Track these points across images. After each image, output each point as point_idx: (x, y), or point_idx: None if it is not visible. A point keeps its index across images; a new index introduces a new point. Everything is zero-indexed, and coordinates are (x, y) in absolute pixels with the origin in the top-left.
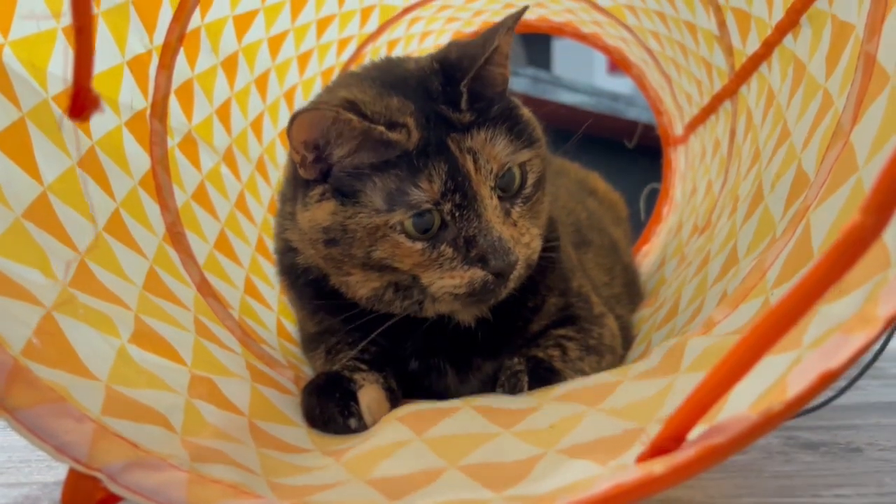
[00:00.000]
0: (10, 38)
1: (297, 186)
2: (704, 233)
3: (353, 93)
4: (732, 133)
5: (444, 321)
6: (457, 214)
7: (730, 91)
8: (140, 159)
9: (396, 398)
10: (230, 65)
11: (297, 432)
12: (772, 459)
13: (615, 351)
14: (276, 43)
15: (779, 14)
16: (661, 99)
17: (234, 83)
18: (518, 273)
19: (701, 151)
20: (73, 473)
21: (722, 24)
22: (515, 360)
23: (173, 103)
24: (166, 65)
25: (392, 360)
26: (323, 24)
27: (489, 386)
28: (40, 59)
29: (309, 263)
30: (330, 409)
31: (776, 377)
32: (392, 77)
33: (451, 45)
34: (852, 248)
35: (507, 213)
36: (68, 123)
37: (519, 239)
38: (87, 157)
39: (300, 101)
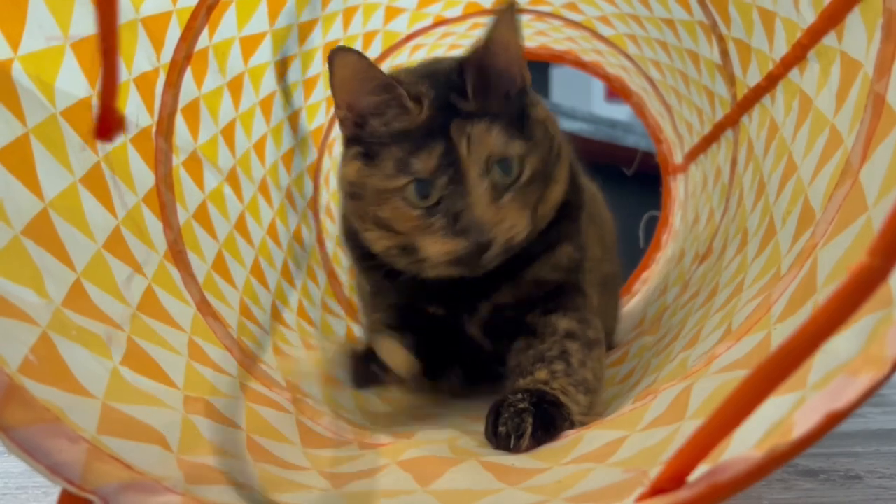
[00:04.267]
0: (19, 53)
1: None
2: (706, 261)
3: (396, 74)
4: (734, 162)
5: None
6: (449, 189)
7: (732, 120)
8: (144, 176)
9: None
10: (236, 86)
11: (294, 450)
12: (771, 487)
13: (602, 343)
14: (282, 66)
15: (780, 46)
16: (660, 127)
17: (239, 104)
18: (495, 252)
19: (702, 180)
20: (65, 495)
21: (725, 53)
22: (519, 395)
23: (179, 122)
24: (173, 83)
25: (418, 320)
26: (328, 49)
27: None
28: (48, 74)
29: (351, 223)
30: (362, 368)
31: (781, 416)
32: (428, 70)
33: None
34: (859, 290)
35: (499, 197)
36: (85, 145)
37: (500, 223)
38: (91, 174)
39: (304, 126)
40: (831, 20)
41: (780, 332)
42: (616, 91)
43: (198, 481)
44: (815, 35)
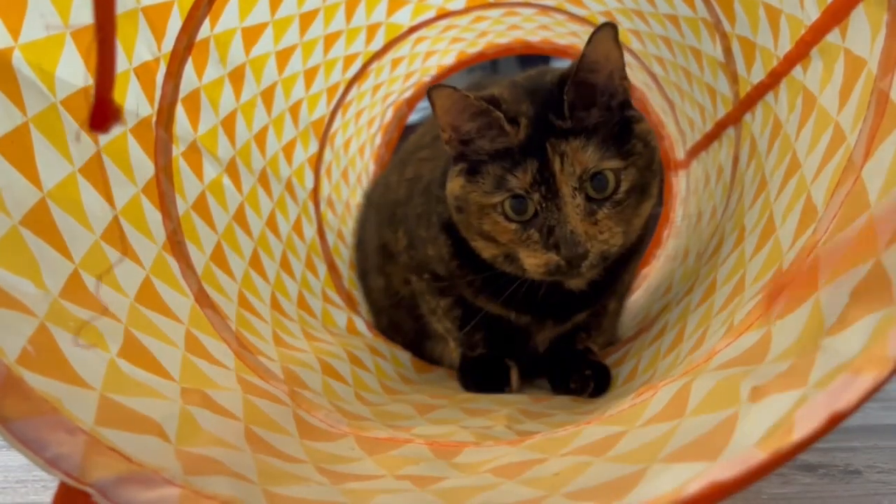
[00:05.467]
0: (19, 42)
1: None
2: (709, 259)
3: (500, 91)
4: (735, 160)
5: (557, 287)
6: (543, 205)
7: (734, 118)
8: (144, 167)
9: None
10: (237, 76)
11: (292, 441)
12: (769, 481)
13: None
14: (283, 57)
15: (784, 44)
16: (662, 123)
17: (240, 95)
18: (591, 262)
19: (704, 177)
20: (62, 488)
21: (728, 51)
22: (587, 372)
23: (180, 112)
24: (173, 73)
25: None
26: (330, 40)
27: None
28: (49, 63)
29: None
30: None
31: (782, 415)
32: (532, 85)
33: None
34: None
35: (593, 213)
36: (82, 134)
37: (596, 235)
38: (90, 164)
39: (305, 116)
40: (835, 17)
41: (780, 329)
42: None
43: (196, 472)
44: (818, 32)
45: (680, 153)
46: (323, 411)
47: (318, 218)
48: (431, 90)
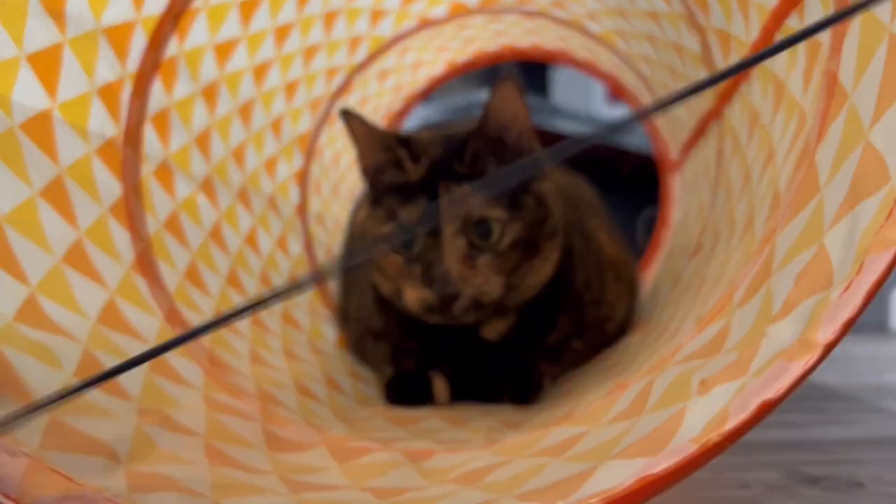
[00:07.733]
0: None
1: None
2: (696, 257)
3: (419, 132)
4: (720, 154)
5: (473, 335)
6: (428, 241)
7: (715, 112)
8: (110, 187)
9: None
10: (210, 93)
11: (257, 454)
12: (773, 494)
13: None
14: (260, 72)
15: (755, 32)
16: (655, 125)
17: (214, 111)
18: (462, 304)
19: (693, 175)
20: None
21: (705, 44)
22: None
23: (149, 131)
24: (140, 92)
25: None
26: (309, 54)
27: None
28: (4, 87)
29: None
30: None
31: (722, 406)
32: (450, 132)
33: None
34: None
35: (473, 257)
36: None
37: (470, 279)
38: (51, 187)
39: (287, 131)
40: (792, 1)
41: (738, 318)
42: (614, 90)
43: (142, 490)
44: (778, 18)
45: (674, 154)
46: (294, 427)
47: (306, 233)
48: (344, 113)
